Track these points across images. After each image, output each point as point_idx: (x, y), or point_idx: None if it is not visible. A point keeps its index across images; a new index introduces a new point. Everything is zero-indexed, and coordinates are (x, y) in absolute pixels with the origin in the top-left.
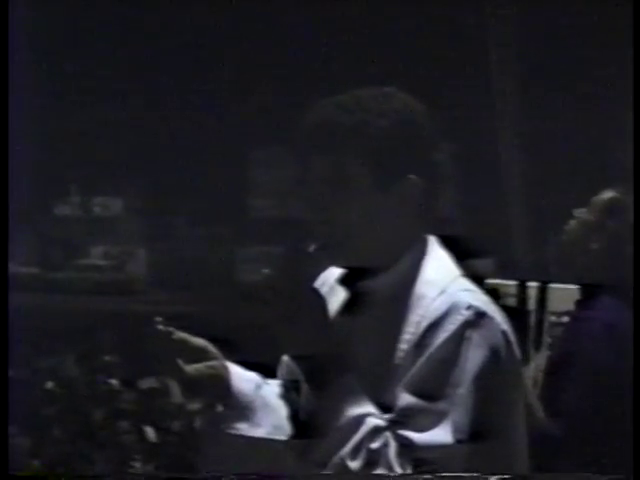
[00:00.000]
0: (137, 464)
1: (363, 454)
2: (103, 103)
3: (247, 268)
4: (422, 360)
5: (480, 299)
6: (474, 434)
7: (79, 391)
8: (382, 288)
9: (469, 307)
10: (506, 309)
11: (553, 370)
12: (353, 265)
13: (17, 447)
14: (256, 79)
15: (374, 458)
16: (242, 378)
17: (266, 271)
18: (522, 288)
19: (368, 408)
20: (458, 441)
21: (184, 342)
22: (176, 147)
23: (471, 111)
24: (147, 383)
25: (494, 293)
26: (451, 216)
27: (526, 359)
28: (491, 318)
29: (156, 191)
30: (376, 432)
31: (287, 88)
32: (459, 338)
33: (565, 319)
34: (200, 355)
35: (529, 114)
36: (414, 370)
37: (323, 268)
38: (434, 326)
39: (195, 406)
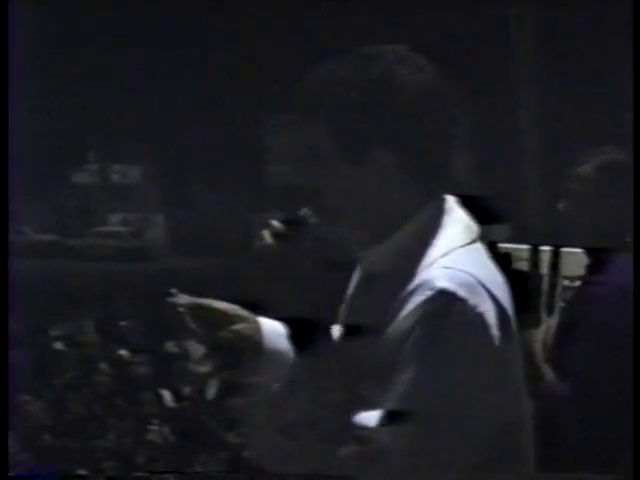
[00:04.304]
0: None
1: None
2: (120, 71)
3: (253, 233)
4: (381, 337)
5: (457, 279)
6: (404, 420)
7: (96, 356)
8: (380, 260)
9: (433, 287)
10: (518, 273)
11: (564, 334)
12: (344, 233)
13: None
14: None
15: None
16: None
17: (264, 232)
18: (534, 252)
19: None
20: (381, 425)
21: (208, 308)
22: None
23: (482, 75)
24: (168, 348)
25: (506, 258)
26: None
27: (537, 323)
28: (463, 300)
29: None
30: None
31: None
32: (412, 318)
33: (577, 283)
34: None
35: (542, 76)
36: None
37: (316, 233)
38: (401, 302)
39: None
